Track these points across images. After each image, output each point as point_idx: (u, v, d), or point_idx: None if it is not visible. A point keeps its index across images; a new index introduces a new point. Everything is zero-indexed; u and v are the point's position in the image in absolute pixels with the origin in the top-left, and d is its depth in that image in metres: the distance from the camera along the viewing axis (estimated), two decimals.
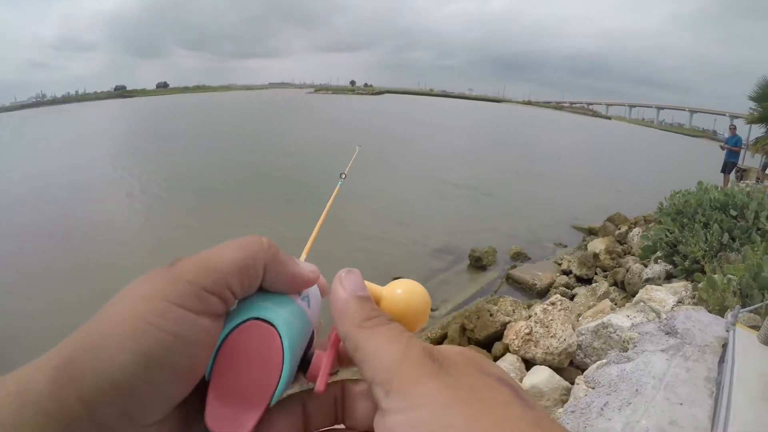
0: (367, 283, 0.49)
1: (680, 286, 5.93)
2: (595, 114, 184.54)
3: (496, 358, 5.57)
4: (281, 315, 0.45)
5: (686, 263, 6.85)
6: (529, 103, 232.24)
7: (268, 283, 0.46)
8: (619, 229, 11.55)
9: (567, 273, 9.41)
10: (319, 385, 0.45)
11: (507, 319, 6.21)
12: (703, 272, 6.11)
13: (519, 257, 10.54)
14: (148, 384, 0.36)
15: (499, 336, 6.03)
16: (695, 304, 5.35)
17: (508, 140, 40.05)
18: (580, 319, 6.47)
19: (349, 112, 68.14)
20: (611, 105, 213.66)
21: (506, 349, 5.51)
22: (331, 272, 0.48)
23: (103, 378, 0.34)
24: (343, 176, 1.49)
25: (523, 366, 5.06)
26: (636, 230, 10.46)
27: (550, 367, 4.74)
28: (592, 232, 12.63)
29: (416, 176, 19.59)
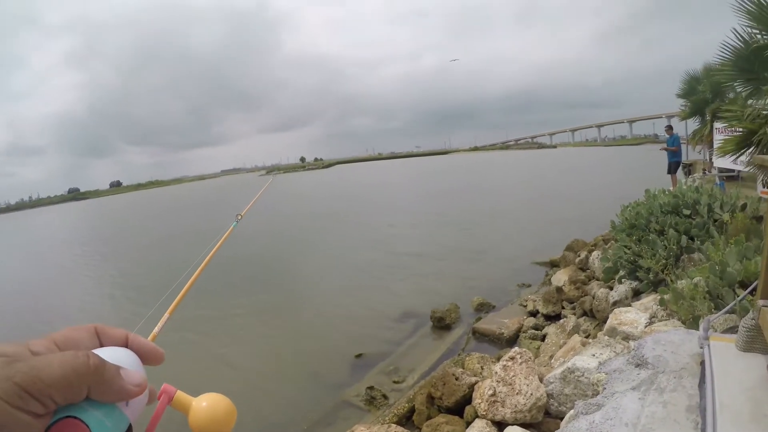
0: (179, 393, 0.64)
1: (649, 300, 5.64)
2: (541, 146, 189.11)
3: (468, 423, 5.04)
4: (94, 416, 0.51)
5: (650, 276, 6.47)
6: (476, 149, 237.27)
7: (93, 396, 0.51)
8: (579, 255, 11.17)
9: (534, 314, 8.92)
10: None
11: (474, 379, 5.68)
12: (667, 284, 5.70)
13: (483, 308, 9.94)
14: None
15: (468, 399, 5.48)
16: (669, 316, 4.92)
17: (454, 189, 40.01)
18: (552, 360, 6.00)
19: (299, 188, 68.39)
20: (554, 133, 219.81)
21: (476, 414, 4.94)
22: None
23: None
24: (239, 217, 1.76)
25: (494, 430, 4.48)
26: (595, 253, 10.11)
27: (522, 425, 4.20)
28: (553, 265, 12.25)
29: (365, 244, 19.09)
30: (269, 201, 49.00)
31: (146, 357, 0.62)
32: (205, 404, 0.63)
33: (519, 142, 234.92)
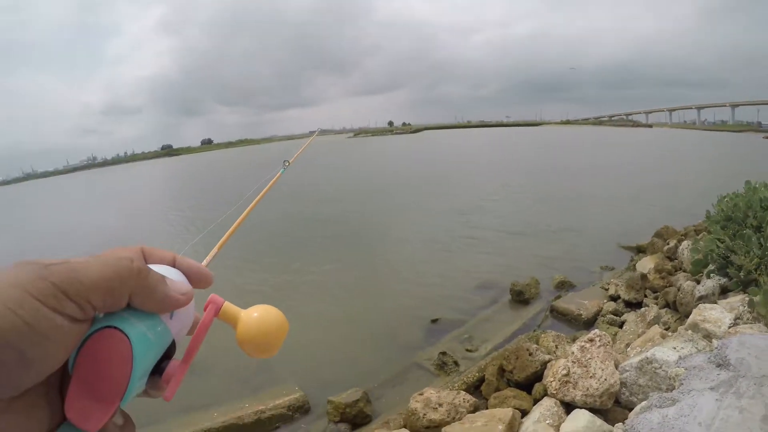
0: (227, 303, 0.62)
1: (737, 300, 5.43)
2: (636, 124, 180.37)
3: (536, 401, 5.13)
4: (137, 327, 0.50)
5: (741, 275, 6.24)
6: (567, 122, 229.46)
7: (135, 304, 0.51)
8: (668, 243, 10.80)
9: (615, 298, 8.77)
10: (167, 393, 0.56)
11: (547, 357, 5.71)
12: (759, 285, 5.51)
13: (563, 286, 9.90)
14: None
15: (540, 376, 5.53)
16: (755, 320, 4.78)
17: (546, 163, 39.10)
18: (628, 349, 5.94)
19: (386, 153, 68.43)
20: (650, 112, 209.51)
21: (545, 392, 5.00)
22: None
23: None
24: (287, 164, 1.52)
25: (562, 410, 4.55)
26: (685, 243, 9.76)
27: (591, 410, 4.23)
28: (640, 250, 11.91)
29: (449, 212, 19.04)
30: (355, 162, 49.53)
31: (194, 278, 0.62)
32: (256, 315, 0.62)
33: (613, 118, 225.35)
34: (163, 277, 0.54)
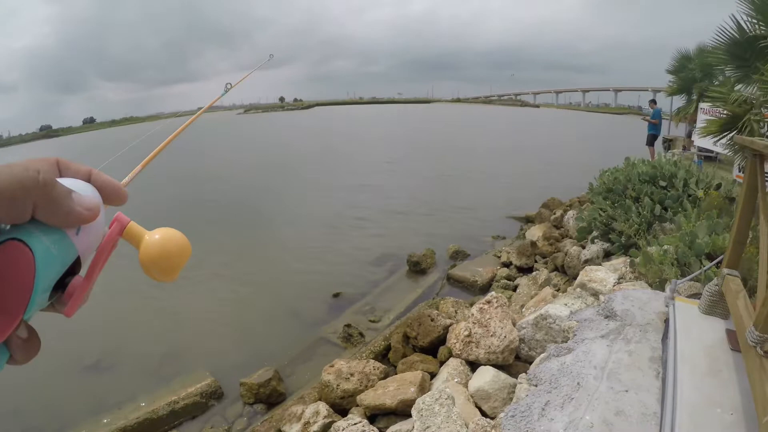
0: (133, 223, 0.62)
1: (619, 262, 5.88)
2: (524, 104, 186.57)
3: (441, 363, 5.36)
4: (41, 241, 0.50)
5: (622, 239, 6.78)
6: (458, 100, 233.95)
7: (40, 217, 0.49)
8: (555, 214, 11.50)
9: (507, 265, 9.26)
10: (68, 310, 0.55)
11: (449, 321, 5.96)
12: (639, 248, 6.02)
13: (458, 256, 10.30)
14: None
15: (443, 340, 5.77)
16: (636, 278, 5.22)
17: (436, 140, 40.05)
18: (523, 310, 6.32)
19: (278, 130, 67.39)
20: (538, 93, 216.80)
21: (450, 353, 5.26)
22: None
23: None
24: (228, 86, 1.56)
25: (467, 369, 4.81)
26: (571, 213, 10.43)
27: (494, 366, 4.51)
28: (529, 220, 12.61)
29: (346, 189, 19.19)
30: (246, 142, 48.50)
31: (108, 195, 0.60)
32: (158, 236, 0.61)
33: (502, 98, 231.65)
34: (69, 191, 0.53)
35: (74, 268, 0.55)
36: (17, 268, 0.48)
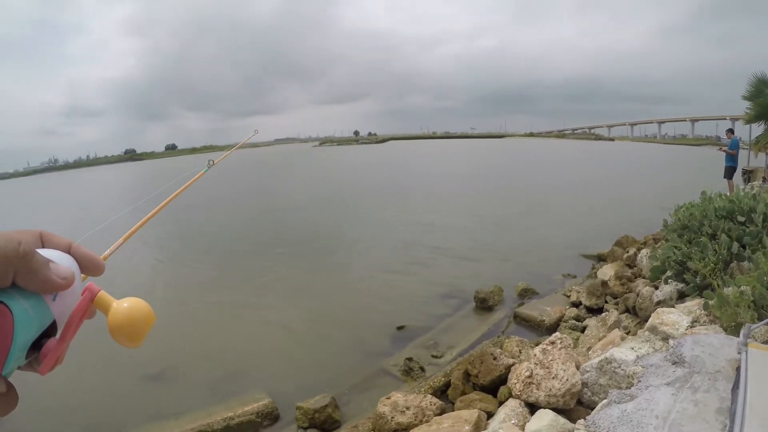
0: (103, 292, 0.65)
1: (693, 304, 5.60)
2: (598, 137, 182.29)
3: (500, 403, 5.25)
4: (20, 303, 0.55)
5: (697, 280, 6.45)
6: (531, 135, 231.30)
7: (19, 283, 0.55)
8: (628, 252, 11.10)
9: (576, 305, 8.98)
10: (42, 369, 0.60)
11: (511, 361, 5.83)
12: (714, 289, 5.71)
13: (526, 294, 10.08)
14: None
15: (504, 380, 5.64)
16: (711, 322, 4.95)
17: (509, 175, 39.68)
18: (590, 352, 6.09)
19: (351, 163, 68.40)
20: (613, 126, 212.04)
21: (510, 394, 5.11)
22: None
23: None
24: (211, 163, 1.62)
25: (526, 411, 4.66)
26: (644, 251, 10.04)
27: (554, 409, 4.35)
28: (601, 259, 12.21)
29: (415, 221, 19.19)
30: (323, 171, 49.39)
31: (86, 265, 0.67)
32: (126, 305, 0.65)
33: (576, 131, 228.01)
34: (47, 261, 0.58)
35: (50, 330, 0.60)
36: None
